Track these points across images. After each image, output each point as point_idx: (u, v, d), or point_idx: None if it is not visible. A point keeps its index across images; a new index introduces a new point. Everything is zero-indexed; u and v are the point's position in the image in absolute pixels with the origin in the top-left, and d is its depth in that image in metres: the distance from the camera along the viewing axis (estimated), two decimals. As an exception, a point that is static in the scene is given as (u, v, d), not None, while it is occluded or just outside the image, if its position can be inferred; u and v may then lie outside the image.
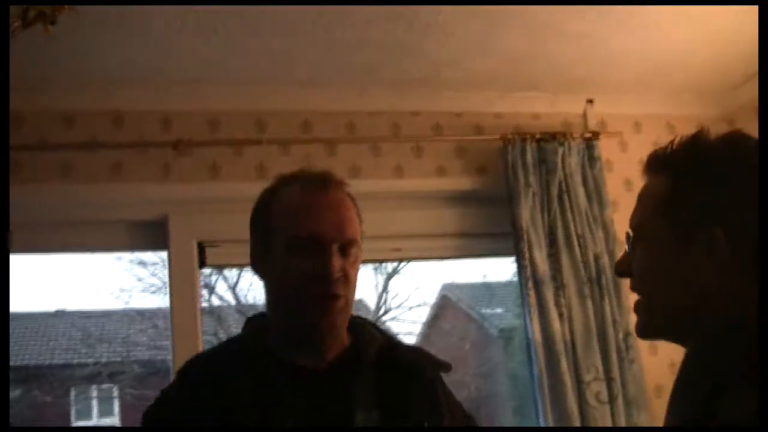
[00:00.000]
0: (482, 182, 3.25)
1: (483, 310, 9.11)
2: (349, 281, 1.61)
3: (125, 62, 2.85)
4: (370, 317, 6.72)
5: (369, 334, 1.72)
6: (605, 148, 3.28)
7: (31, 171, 2.89)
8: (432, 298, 8.86)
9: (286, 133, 3.11)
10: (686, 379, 1.24)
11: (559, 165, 3.15)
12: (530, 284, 3.03)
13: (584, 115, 3.37)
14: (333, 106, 3.19)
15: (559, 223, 3.12)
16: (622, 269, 1.39)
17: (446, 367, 1.79)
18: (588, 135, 3.27)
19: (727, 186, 1.24)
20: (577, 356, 3.01)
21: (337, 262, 1.57)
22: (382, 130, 3.22)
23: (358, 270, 1.65)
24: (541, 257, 3.06)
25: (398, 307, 8.31)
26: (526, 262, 3.04)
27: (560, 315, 3.03)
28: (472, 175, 3.25)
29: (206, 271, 7.43)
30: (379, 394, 1.60)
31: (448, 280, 9.15)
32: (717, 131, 3.35)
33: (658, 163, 1.34)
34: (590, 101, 3.37)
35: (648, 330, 1.38)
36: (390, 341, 1.75)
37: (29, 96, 2.89)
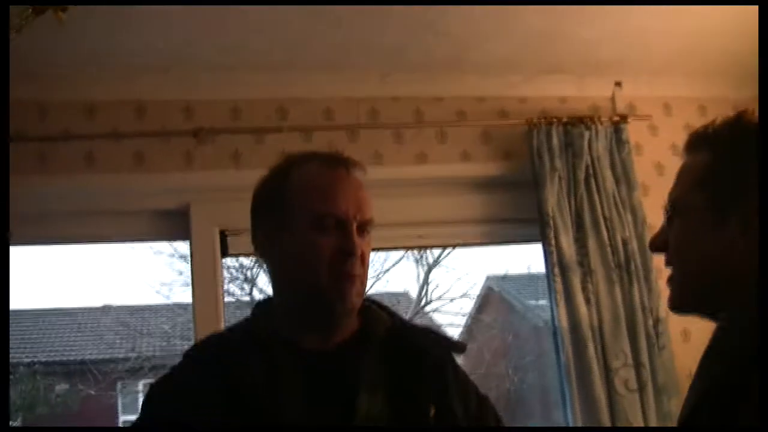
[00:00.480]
0: (508, 167, 3.19)
1: (529, 302, 9.08)
2: (364, 262, 1.60)
3: (147, 51, 2.86)
4: (411, 309, 6.75)
5: (377, 315, 1.69)
6: (634, 131, 3.21)
7: (55, 161, 2.91)
8: (475, 289, 8.85)
9: (308, 120, 3.09)
10: (717, 353, 1.23)
11: (586, 149, 3.08)
12: (556, 270, 2.98)
13: (612, 98, 3.30)
14: (355, 92, 3.16)
15: (586, 208, 3.06)
16: (657, 243, 1.42)
17: (459, 347, 1.77)
18: (616, 119, 3.19)
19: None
20: (605, 343, 2.94)
21: (358, 241, 1.56)
22: (405, 116, 3.18)
23: (370, 252, 1.63)
24: (567, 242, 3.01)
25: (440, 298, 8.32)
26: (552, 248, 2.99)
27: (587, 301, 2.97)
28: (498, 161, 3.20)
29: (246, 263, 7.42)
30: (385, 375, 1.58)
31: (493, 272, 9.14)
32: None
33: (699, 140, 1.37)
34: (618, 84, 3.30)
35: (680, 303, 1.40)
36: (399, 322, 1.71)
37: (53, 87, 2.94)
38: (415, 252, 8.17)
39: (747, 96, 3.33)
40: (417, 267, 8.33)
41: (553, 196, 3.03)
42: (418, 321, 8.49)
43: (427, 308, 8.39)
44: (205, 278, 2.97)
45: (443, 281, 10.23)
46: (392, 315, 1.73)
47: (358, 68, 3.10)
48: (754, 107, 3.39)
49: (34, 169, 2.88)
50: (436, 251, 8.13)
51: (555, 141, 3.08)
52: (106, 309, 9.90)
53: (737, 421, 1.12)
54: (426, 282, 8.06)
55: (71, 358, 9.23)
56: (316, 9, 2.69)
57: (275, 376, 1.52)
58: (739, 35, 3.10)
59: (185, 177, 2.99)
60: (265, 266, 1.72)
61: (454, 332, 8.82)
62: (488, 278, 9.30)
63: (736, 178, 1.28)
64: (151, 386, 1.62)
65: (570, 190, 3.07)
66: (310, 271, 1.57)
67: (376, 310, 1.71)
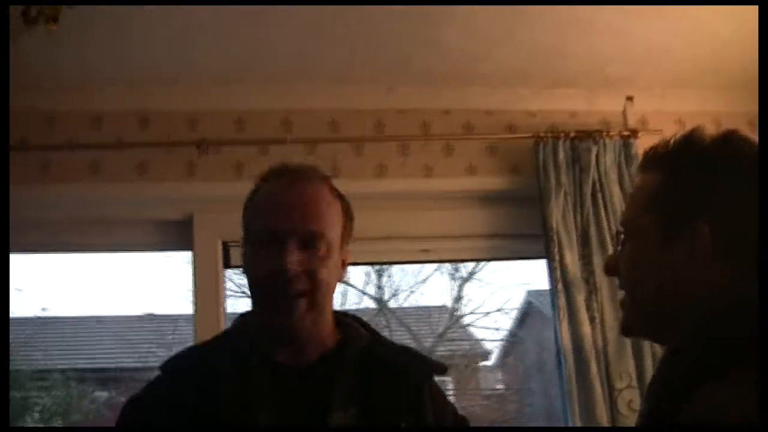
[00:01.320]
0: (514, 182, 3.14)
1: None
2: (315, 278, 1.55)
3: (152, 63, 2.89)
4: (444, 322, 6.67)
5: (356, 332, 1.68)
6: (644, 146, 3.13)
7: (60, 170, 2.94)
8: (510, 303, 8.74)
9: (313, 133, 3.08)
10: (663, 376, 1.20)
11: (593, 163, 3.03)
12: (560, 286, 2.92)
13: (624, 113, 3.24)
14: (361, 105, 3.14)
15: (593, 223, 3.00)
16: (610, 267, 1.39)
17: (439, 368, 1.74)
18: (626, 133, 3.13)
19: (717, 184, 1.24)
20: (609, 363, 2.88)
21: (294, 256, 1.53)
22: (411, 128, 3.16)
23: (333, 266, 1.60)
24: (572, 259, 2.95)
25: (472, 312, 8.24)
26: (556, 264, 2.94)
27: (591, 319, 2.91)
28: (505, 175, 3.16)
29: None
30: (359, 392, 1.56)
31: (533, 287, 9.03)
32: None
33: (651, 160, 1.34)
34: (630, 98, 3.24)
35: (630, 327, 1.37)
36: (378, 341, 1.70)
37: (59, 97, 2.97)
38: (449, 266, 8.12)
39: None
40: (450, 281, 8.28)
41: (559, 211, 2.98)
42: (453, 335, 8.44)
43: (462, 322, 8.33)
44: (207, 289, 2.97)
45: (478, 295, 10.15)
46: (372, 333, 1.72)
47: (364, 81, 3.09)
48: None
49: (39, 177, 2.91)
50: (470, 264, 8.08)
51: (561, 155, 3.03)
52: (145, 318, 10.00)
53: None
54: (459, 296, 7.99)
55: (107, 366, 9.33)
56: (320, 23, 2.70)
57: (248, 391, 1.51)
58: (754, 48, 3.03)
59: (189, 187, 3.00)
60: None
61: (488, 346, 8.74)
62: (528, 293, 9.20)
63: (685, 200, 1.25)
64: (125, 403, 1.62)
65: (576, 205, 3.02)
66: (253, 290, 1.59)
67: (357, 328, 1.70)
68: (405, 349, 1.76)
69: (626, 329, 1.38)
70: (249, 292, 1.63)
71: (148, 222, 3.05)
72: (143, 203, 3.01)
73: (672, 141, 1.31)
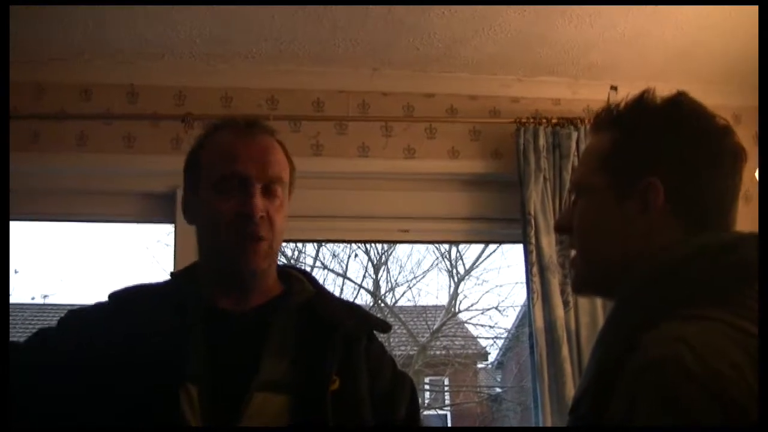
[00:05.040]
0: (496, 166, 3.19)
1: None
2: (273, 224, 1.60)
3: (140, 40, 2.94)
4: (440, 320, 6.68)
5: (300, 285, 1.71)
6: (627, 134, 3.16)
7: (49, 140, 3.00)
8: (507, 302, 8.75)
9: (297, 111, 3.12)
10: (609, 327, 1.23)
11: (573, 150, 3.06)
12: (535, 269, 2.96)
13: (607, 102, 3.25)
14: (346, 86, 3.19)
15: (571, 209, 3.02)
16: (562, 225, 1.41)
17: (382, 326, 1.76)
18: (608, 121, 3.15)
19: (667, 142, 1.26)
20: (581, 347, 2.91)
21: (259, 201, 1.57)
22: (395, 110, 3.20)
23: (284, 216, 1.64)
24: (548, 243, 2.98)
25: (468, 309, 8.26)
26: (532, 247, 2.97)
27: (565, 303, 2.94)
28: (487, 159, 3.20)
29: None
30: (294, 343, 1.58)
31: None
32: (755, 122, 3.22)
33: (603, 121, 1.36)
34: (614, 88, 3.27)
35: (581, 284, 1.40)
36: (322, 295, 1.73)
37: (51, 68, 3.04)
38: (447, 263, 8.15)
39: (748, 104, 3.27)
40: (449, 279, 8.33)
41: (537, 195, 3.02)
42: (449, 331, 8.46)
43: (458, 318, 8.37)
44: (187, 261, 3.00)
45: (474, 293, 10.17)
46: (318, 286, 1.74)
47: (348, 63, 3.12)
48: (754, 115, 3.31)
49: (28, 146, 2.96)
50: (468, 262, 8.11)
51: (542, 141, 3.07)
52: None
53: (608, 408, 1.10)
54: (456, 293, 8.04)
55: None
56: (299, 6, 2.73)
57: (183, 330, 1.54)
58: (739, 41, 3.05)
59: (173, 161, 3.02)
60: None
61: (485, 343, 8.75)
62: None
63: (637, 158, 1.27)
64: (68, 313, 1.65)
65: (556, 190, 3.05)
66: (213, 233, 1.61)
67: (302, 281, 1.73)
68: (347, 306, 1.77)
69: (578, 286, 1.42)
70: (200, 238, 1.67)
71: (133, 194, 3.10)
72: (129, 175, 3.06)
73: (623, 103, 1.34)
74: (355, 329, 1.67)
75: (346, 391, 1.56)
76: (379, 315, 6.90)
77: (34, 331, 1.63)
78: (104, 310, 1.63)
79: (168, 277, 1.75)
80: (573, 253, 1.40)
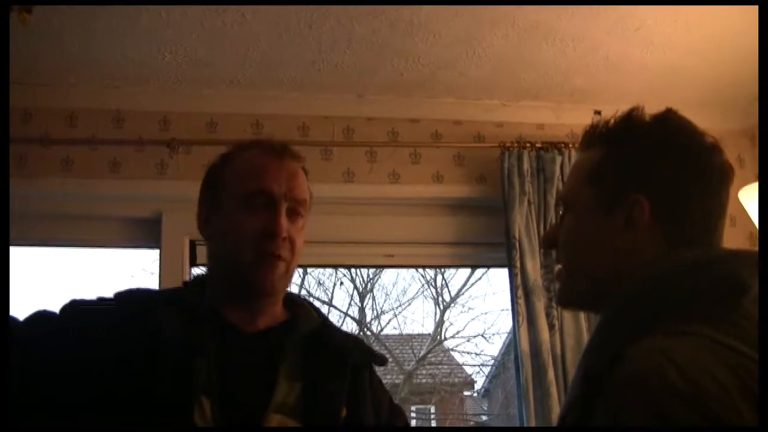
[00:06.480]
0: (481, 191, 3.21)
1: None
2: (294, 246, 1.62)
3: (126, 64, 2.95)
4: (425, 347, 6.66)
5: (307, 312, 1.72)
6: (610, 159, 3.19)
7: (35, 164, 3.00)
8: (493, 329, 8.75)
9: (282, 136, 3.12)
10: (596, 340, 1.23)
11: (557, 174, 3.08)
12: (520, 293, 2.96)
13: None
14: (331, 111, 3.21)
15: (555, 233, 3.04)
16: (548, 240, 1.43)
17: (380, 359, 1.79)
18: (591, 145, 3.18)
19: (655, 158, 1.27)
20: (567, 370, 2.91)
21: (284, 221, 1.59)
22: (380, 136, 3.23)
23: (302, 240, 1.65)
24: (533, 266, 2.99)
25: (453, 336, 8.26)
26: (517, 270, 2.98)
27: (551, 326, 2.95)
28: (471, 184, 3.22)
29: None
30: (304, 370, 1.59)
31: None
32: (738, 146, 3.25)
33: (592, 137, 1.37)
34: (598, 112, 3.29)
35: (566, 298, 1.40)
36: (327, 325, 1.74)
37: (37, 93, 3.05)
38: (432, 290, 8.17)
39: (731, 128, 3.30)
40: (434, 307, 8.33)
41: (522, 219, 3.03)
42: (435, 359, 8.44)
43: (444, 346, 8.36)
44: (173, 285, 3.00)
45: (460, 320, 10.18)
46: (321, 316, 1.75)
47: (333, 88, 3.15)
48: (739, 140, 3.33)
49: (13, 171, 2.95)
50: (454, 290, 8.12)
51: (526, 165, 3.09)
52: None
53: (592, 418, 1.10)
54: (442, 320, 8.04)
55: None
56: (288, 28, 2.75)
57: (197, 342, 1.52)
58: (722, 65, 3.08)
59: (159, 185, 3.05)
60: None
61: (471, 371, 8.74)
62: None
63: (624, 174, 1.28)
64: (70, 302, 1.61)
65: (540, 214, 3.07)
66: (235, 247, 1.60)
67: (308, 308, 1.74)
68: (351, 337, 1.80)
69: (563, 300, 1.41)
70: (218, 253, 1.66)
71: (118, 219, 3.10)
72: (114, 200, 3.06)
73: (612, 119, 1.35)
74: (362, 360, 1.70)
75: (352, 421, 1.58)
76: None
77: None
78: (111, 311, 1.60)
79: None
80: (557, 267, 1.40)
